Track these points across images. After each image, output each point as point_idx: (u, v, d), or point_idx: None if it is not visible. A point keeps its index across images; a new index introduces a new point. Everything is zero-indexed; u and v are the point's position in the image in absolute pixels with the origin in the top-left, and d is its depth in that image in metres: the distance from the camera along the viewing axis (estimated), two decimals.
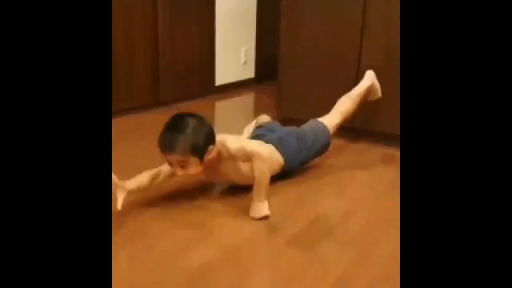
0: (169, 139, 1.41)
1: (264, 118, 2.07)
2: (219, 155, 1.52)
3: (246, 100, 3.42)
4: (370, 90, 2.08)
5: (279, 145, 1.73)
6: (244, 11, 3.58)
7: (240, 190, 1.64)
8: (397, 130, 2.07)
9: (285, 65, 2.40)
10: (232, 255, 1.25)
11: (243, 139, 1.64)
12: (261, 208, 1.46)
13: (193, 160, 1.44)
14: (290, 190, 1.71)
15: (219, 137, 1.52)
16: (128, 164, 1.88)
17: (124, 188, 1.42)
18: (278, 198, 1.60)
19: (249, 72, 3.78)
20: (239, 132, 2.00)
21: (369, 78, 2.08)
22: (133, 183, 1.48)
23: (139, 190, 1.50)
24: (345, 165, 1.99)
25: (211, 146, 1.47)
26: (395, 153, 2.09)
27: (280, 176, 1.74)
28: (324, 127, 1.90)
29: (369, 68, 2.14)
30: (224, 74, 3.47)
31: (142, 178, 1.51)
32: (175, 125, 1.44)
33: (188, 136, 1.41)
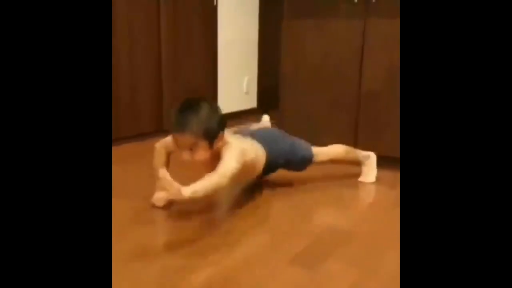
0: (182, 119, 1.41)
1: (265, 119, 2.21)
2: (220, 154, 1.50)
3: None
4: (363, 168, 2.05)
5: (255, 135, 1.78)
6: (246, 41, 3.66)
7: (241, 208, 1.64)
8: (398, 153, 2.08)
9: (286, 88, 2.44)
10: (232, 273, 1.23)
11: (239, 163, 1.49)
12: (176, 187, 1.27)
13: (203, 144, 1.43)
14: (291, 210, 1.71)
15: (231, 142, 1.52)
16: (132, 188, 1.90)
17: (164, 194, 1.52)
18: (280, 218, 1.60)
19: (252, 102, 3.83)
20: None
21: (367, 157, 2.06)
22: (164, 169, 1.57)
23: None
24: (347, 186, 1.99)
25: (221, 132, 1.47)
26: (397, 175, 2.09)
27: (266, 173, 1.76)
28: (309, 146, 1.92)
29: (371, 89, 2.18)
30: (226, 103, 3.51)
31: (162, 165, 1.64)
32: (189, 107, 1.44)
33: (202, 119, 1.41)
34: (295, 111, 2.44)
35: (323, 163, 1.98)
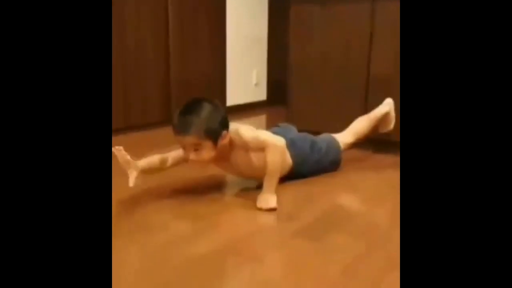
0: (184, 121, 1.43)
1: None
2: (232, 144, 1.53)
3: (257, 120, 3.44)
4: (385, 118, 2.05)
5: (291, 145, 1.72)
6: (255, 33, 3.65)
7: (248, 184, 1.64)
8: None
9: (295, 75, 2.42)
10: (238, 244, 1.22)
11: (257, 130, 1.58)
12: (269, 199, 1.46)
13: (207, 144, 1.44)
14: (300, 187, 1.71)
15: (232, 126, 1.53)
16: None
17: (136, 166, 1.46)
18: (288, 194, 1.60)
19: (261, 94, 3.82)
20: None
21: (388, 105, 2.06)
22: (144, 162, 1.54)
23: (150, 170, 1.56)
24: (357, 168, 1.98)
25: (225, 131, 1.48)
26: None
27: (287, 177, 1.74)
28: (337, 142, 1.90)
29: (380, 74, 2.15)
30: (235, 95, 3.51)
31: (154, 159, 1.58)
32: (190, 108, 1.45)
33: (203, 119, 1.42)
34: (303, 99, 2.42)
35: (354, 143, 1.97)
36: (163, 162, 1.59)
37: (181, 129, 1.43)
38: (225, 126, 1.49)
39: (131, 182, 1.42)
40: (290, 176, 1.74)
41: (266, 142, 1.49)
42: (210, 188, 1.69)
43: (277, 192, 1.51)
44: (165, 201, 1.56)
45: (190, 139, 1.43)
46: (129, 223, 1.35)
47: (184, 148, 1.48)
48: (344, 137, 1.95)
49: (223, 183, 1.79)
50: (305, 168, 1.78)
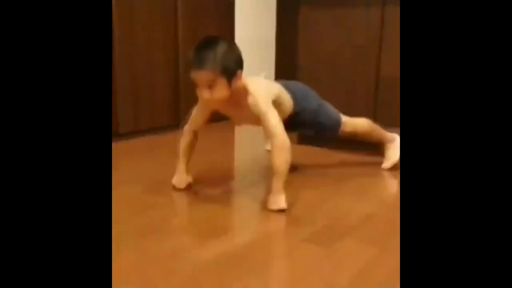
0: (200, 56, 1.43)
1: None
2: (245, 98, 1.52)
3: None
4: (388, 146, 2.03)
5: (285, 85, 1.77)
6: (263, 37, 3.65)
7: (256, 187, 1.64)
8: None
9: (303, 78, 2.41)
10: (245, 250, 1.22)
11: (268, 106, 1.54)
12: (279, 200, 1.47)
13: (221, 81, 1.44)
14: (310, 192, 1.70)
15: (252, 85, 1.53)
16: (149, 176, 1.90)
17: (187, 179, 1.67)
18: (297, 199, 1.59)
19: None
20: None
21: (397, 139, 2.03)
22: (184, 164, 1.70)
23: (189, 160, 1.73)
24: (368, 173, 1.97)
25: (239, 71, 1.47)
26: None
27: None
28: (337, 111, 1.92)
29: (390, 78, 2.14)
30: None
31: (186, 151, 1.70)
32: (206, 44, 1.45)
33: (219, 55, 1.42)
34: None
35: (349, 134, 1.95)
36: (192, 144, 1.70)
37: (198, 64, 1.43)
38: (240, 65, 1.49)
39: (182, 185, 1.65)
40: (293, 120, 1.79)
41: (273, 132, 1.48)
42: (217, 191, 1.69)
43: (286, 197, 1.50)
44: (172, 205, 1.56)
45: (205, 74, 1.42)
46: (136, 227, 1.35)
47: (198, 84, 1.47)
48: (345, 118, 1.93)
49: (230, 186, 1.79)
50: (305, 105, 1.81)
